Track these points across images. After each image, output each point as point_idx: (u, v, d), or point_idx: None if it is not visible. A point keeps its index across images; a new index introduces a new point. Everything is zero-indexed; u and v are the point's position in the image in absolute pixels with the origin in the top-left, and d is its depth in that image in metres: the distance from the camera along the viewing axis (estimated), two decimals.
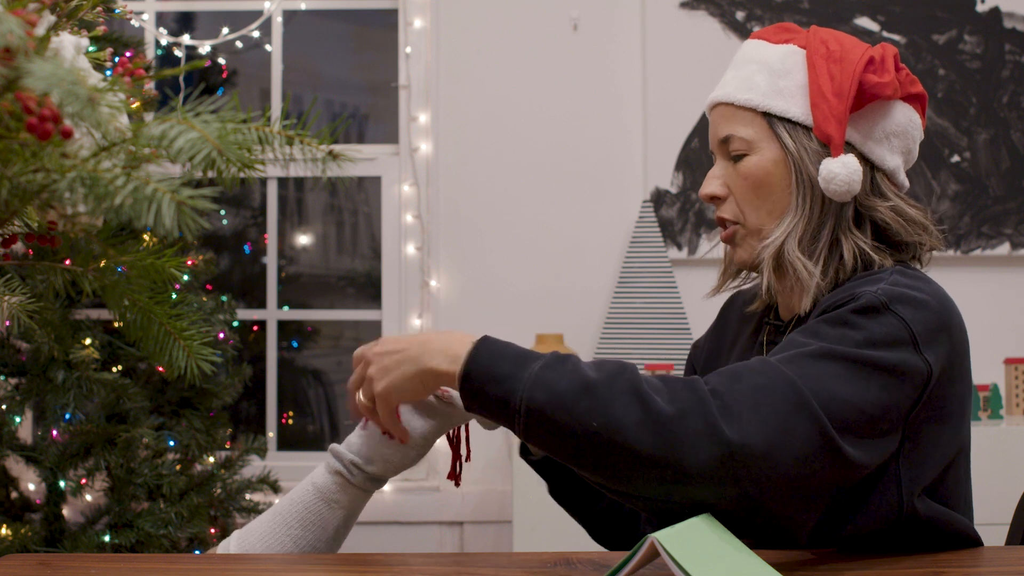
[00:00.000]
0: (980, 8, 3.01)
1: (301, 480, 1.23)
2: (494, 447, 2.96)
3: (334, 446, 1.21)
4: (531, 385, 1.02)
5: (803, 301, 1.21)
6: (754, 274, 1.35)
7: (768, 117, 1.23)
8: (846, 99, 1.19)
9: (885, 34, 3.02)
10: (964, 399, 1.17)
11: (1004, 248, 2.98)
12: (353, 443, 1.21)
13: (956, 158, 2.99)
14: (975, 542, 1.18)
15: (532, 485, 1.42)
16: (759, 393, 1.01)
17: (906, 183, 1.28)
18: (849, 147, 1.21)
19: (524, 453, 1.39)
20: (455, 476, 1.28)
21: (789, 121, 1.23)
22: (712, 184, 1.28)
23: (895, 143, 1.24)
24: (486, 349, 1.06)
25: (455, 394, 1.18)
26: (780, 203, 1.23)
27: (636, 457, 0.99)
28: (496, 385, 1.04)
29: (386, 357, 1.11)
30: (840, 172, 1.18)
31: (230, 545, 1.20)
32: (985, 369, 2.79)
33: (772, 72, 1.24)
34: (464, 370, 1.06)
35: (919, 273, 1.20)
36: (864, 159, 1.22)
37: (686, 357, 2.81)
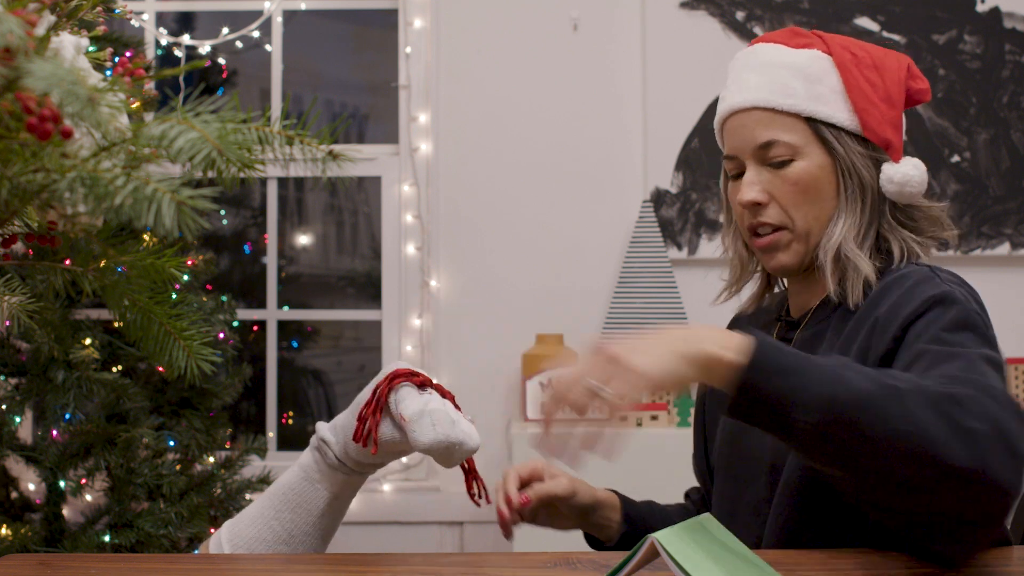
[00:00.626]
0: (980, 8, 3.01)
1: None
2: (494, 446, 2.96)
3: (319, 423, 1.22)
4: (832, 380, 0.94)
5: (853, 294, 1.22)
6: (757, 273, 1.38)
7: (812, 122, 1.25)
8: (898, 105, 1.24)
9: (885, 34, 3.02)
10: None
11: (1004, 248, 2.98)
12: (338, 423, 1.21)
13: (956, 158, 2.99)
14: (1006, 538, 1.19)
15: None
16: (1010, 404, 0.97)
17: None
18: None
19: (594, 544, 1.38)
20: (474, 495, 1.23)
21: (834, 126, 1.24)
22: (752, 191, 1.27)
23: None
24: (766, 342, 0.98)
25: (411, 427, 1.08)
26: (828, 206, 1.25)
27: (946, 469, 0.92)
28: (783, 378, 0.95)
29: (640, 341, 0.99)
30: (914, 174, 1.23)
31: (222, 534, 1.20)
32: None
33: (806, 77, 1.25)
34: (751, 359, 0.96)
35: (942, 269, 1.23)
36: None
37: None
